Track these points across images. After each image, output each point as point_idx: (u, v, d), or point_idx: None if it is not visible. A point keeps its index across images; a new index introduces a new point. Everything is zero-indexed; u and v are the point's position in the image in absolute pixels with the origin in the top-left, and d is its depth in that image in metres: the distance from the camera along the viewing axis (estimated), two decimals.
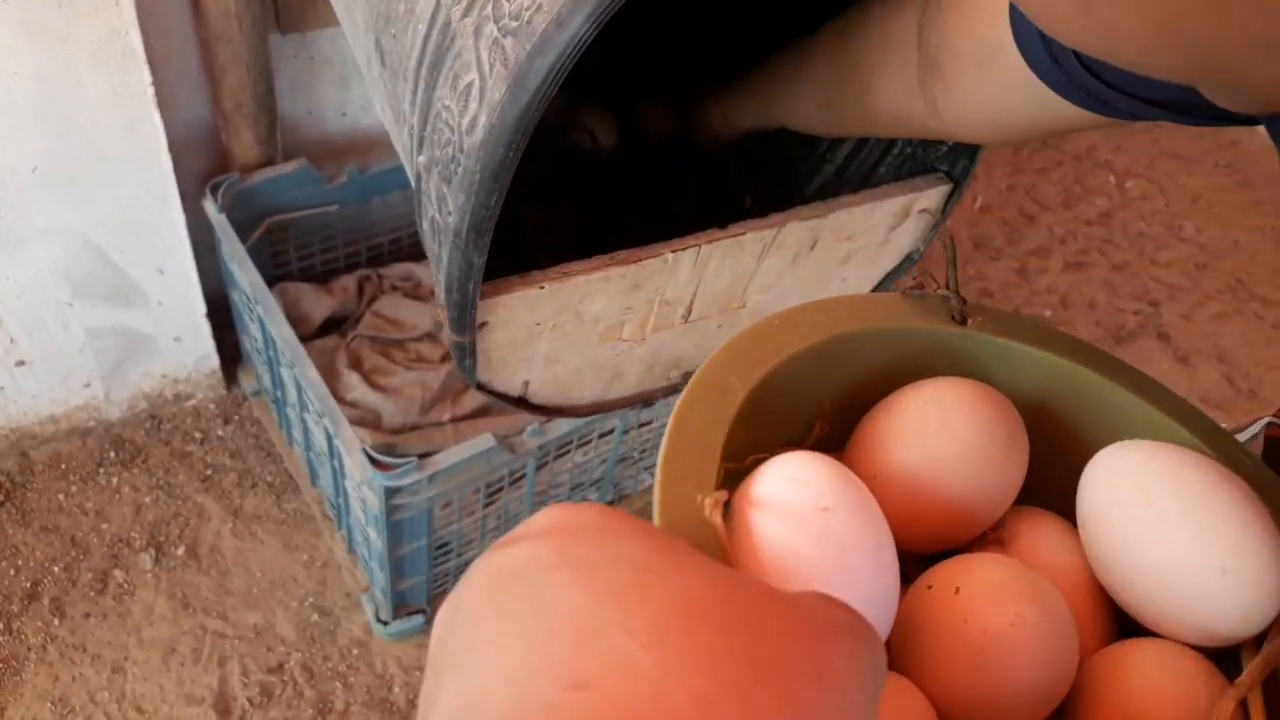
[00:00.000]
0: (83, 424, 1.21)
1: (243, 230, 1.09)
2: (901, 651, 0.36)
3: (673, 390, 0.81)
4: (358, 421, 1.10)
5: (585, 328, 0.71)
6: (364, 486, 0.93)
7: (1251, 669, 0.34)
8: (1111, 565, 0.37)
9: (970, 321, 0.41)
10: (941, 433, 0.38)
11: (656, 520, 0.31)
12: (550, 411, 0.79)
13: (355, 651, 1.08)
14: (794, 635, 0.22)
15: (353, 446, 0.91)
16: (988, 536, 0.40)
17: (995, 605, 0.34)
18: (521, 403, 0.77)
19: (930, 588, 0.36)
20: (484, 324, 0.67)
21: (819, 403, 0.40)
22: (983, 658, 0.33)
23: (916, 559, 0.39)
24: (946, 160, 0.71)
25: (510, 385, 0.72)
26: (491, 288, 0.66)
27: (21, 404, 1.15)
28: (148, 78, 0.94)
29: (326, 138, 1.22)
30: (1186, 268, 1.63)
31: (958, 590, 0.35)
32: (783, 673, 0.21)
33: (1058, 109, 0.44)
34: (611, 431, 1.08)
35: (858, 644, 0.23)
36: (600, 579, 0.22)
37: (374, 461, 0.89)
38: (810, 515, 0.31)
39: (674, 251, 0.71)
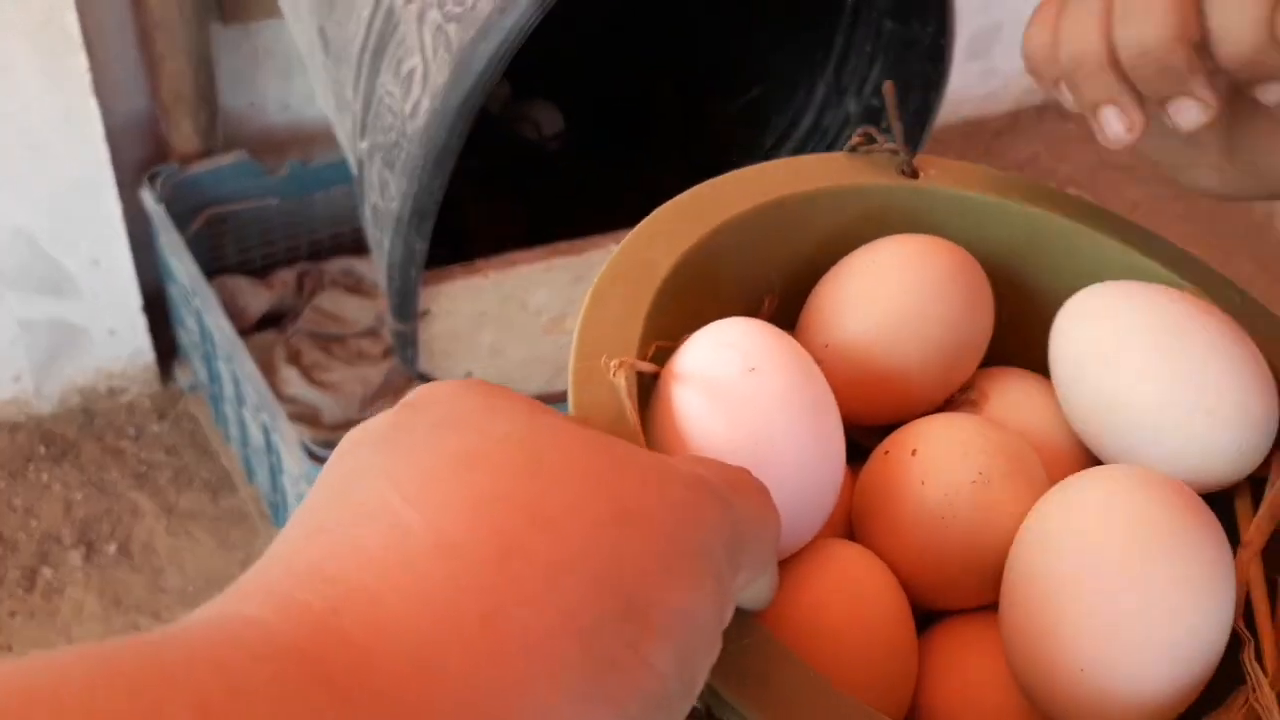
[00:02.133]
0: (12, 418, 1.18)
1: (181, 222, 1.07)
2: (862, 522, 0.34)
3: None
4: (296, 417, 1.09)
5: (530, 319, 0.71)
6: (303, 482, 0.92)
7: (1259, 521, 0.32)
8: (1089, 415, 0.34)
9: (922, 175, 0.38)
10: (894, 293, 0.35)
11: (570, 399, 0.28)
12: None
13: None
14: (593, 480, 0.20)
15: (291, 441, 0.89)
16: (956, 399, 0.37)
17: (955, 463, 0.31)
18: None
19: (887, 453, 0.33)
20: (426, 312, 0.66)
21: (765, 276, 0.37)
22: (944, 521, 0.31)
23: (882, 432, 0.36)
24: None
25: (452, 376, 0.72)
26: (434, 275, 0.66)
27: None
28: (85, 63, 0.93)
29: (268, 130, 1.21)
30: None
31: (914, 452, 0.32)
32: (571, 517, 0.19)
33: None
34: None
35: (696, 494, 0.21)
36: (403, 438, 0.21)
37: (313, 456, 0.88)
38: (736, 378, 0.29)
39: (616, 243, 0.71)
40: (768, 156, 0.88)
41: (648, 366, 0.30)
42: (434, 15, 0.56)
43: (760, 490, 0.24)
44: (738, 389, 0.29)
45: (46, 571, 1.09)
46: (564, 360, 0.60)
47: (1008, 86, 1.82)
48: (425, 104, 0.55)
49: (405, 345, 0.65)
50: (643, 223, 0.34)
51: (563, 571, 0.19)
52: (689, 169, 0.97)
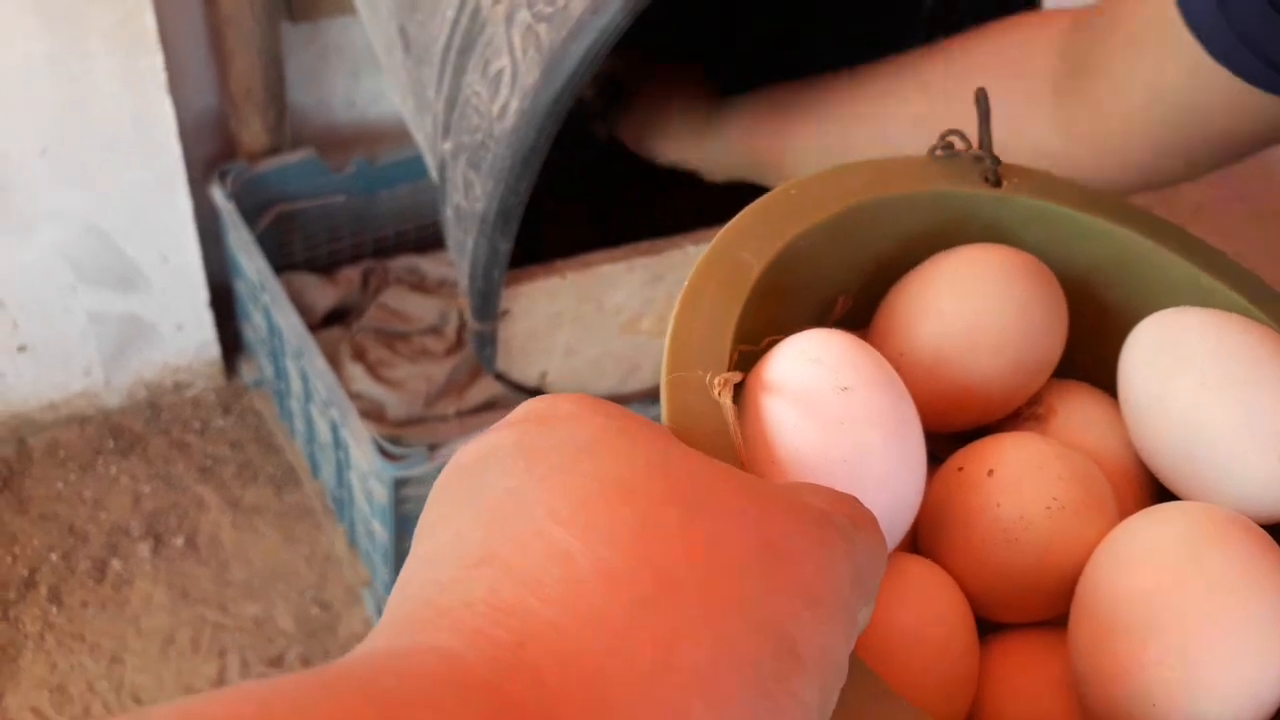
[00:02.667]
0: (82, 411, 1.20)
1: (249, 219, 1.08)
2: (931, 536, 0.34)
3: None
4: (362, 414, 1.10)
5: (605, 319, 0.71)
6: (371, 478, 0.93)
7: None
8: (1156, 442, 0.34)
9: (1005, 184, 0.38)
10: (972, 303, 0.35)
11: (663, 406, 0.28)
12: None
13: (356, 645, 1.07)
14: (739, 515, 0.21)
15: (361, 437, 0.90)
16: (1023, 413, 0.37)
17: (1030, 488, 0.32)
18: (538, 394, 0.77)
19: (961, 469, 0.33)
20: (505, 312, 0.66)
21: (842, 277, 0.37)
22: (1017, 544, 0.31)
23: (948, 439, 0.36)
24: None
25: (528, 376, 0.72)
26: (513, 276, 0.66)
27: (21, 390, 1.14)
28: (160, 62, 0.94)
29: (334, 128, 1.22)
30: None
31: (991, 472, 0.32)
32: (715, 551, 0.20)
33: (1214, 92, 0.42)
34: None
35: (826, 531, 0.22)
36: (540, 463, 0.22)
37: (383, 452, 0.88)
38: (827, 396, 0.29)
39: (695, 244, 0.71)
40: None
41: (739, 377, 0.30)
42: (523, 15, 0.56)
43: (871, 521, 0.25)
44: (831, 407, 0.29)
45: (116, 563, 1.10)
46: (638, 360, 0.60)
47: None
48: (514, 105, 0.55)
49: (484, 345, 0.65)
50: (731, 224, 0.34)
51: (720, 606, 0.19)
52: None
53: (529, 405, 0.24)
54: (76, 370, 1.16)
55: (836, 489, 0.25)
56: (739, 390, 0.30)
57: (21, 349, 1.11)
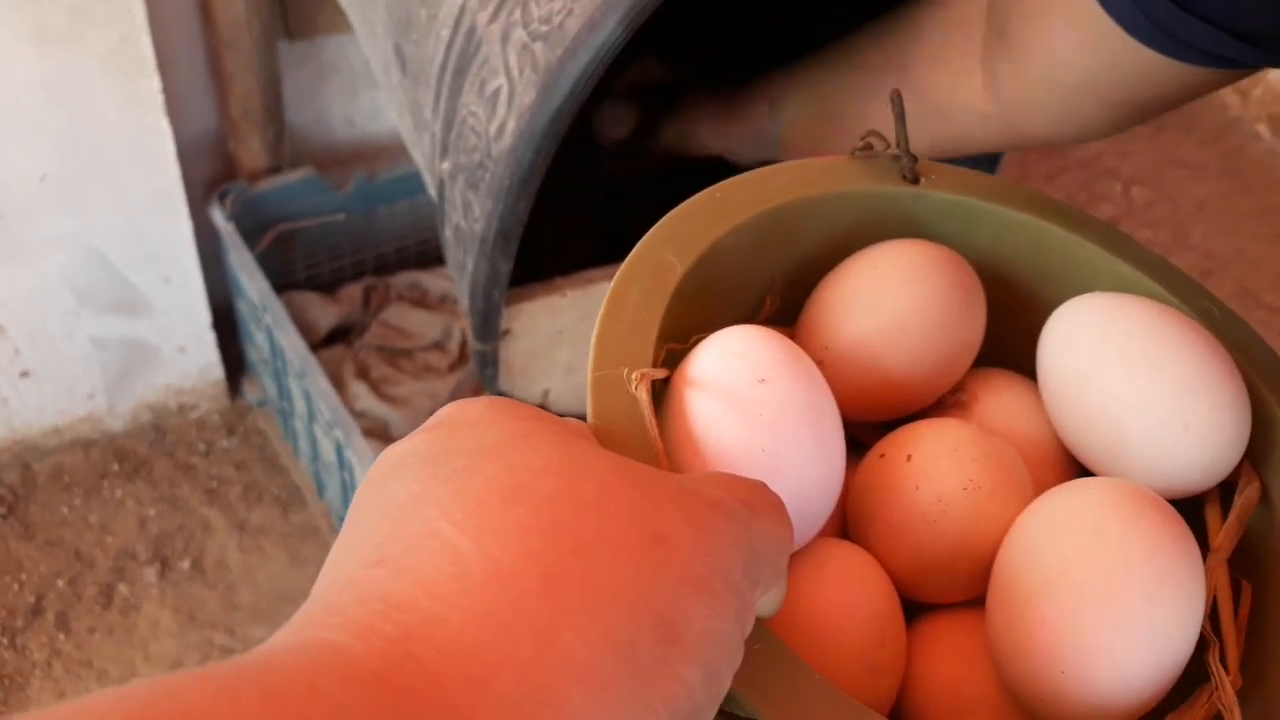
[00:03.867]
0: (86, 436, 1.20)
1: (250, 238, 1.08)
2: (857, 522, 0.35)
3: None
4: (366, 432, 1.09)
5: None
6: None
7: (1228, 528, 0.34)
8: (1072, 422, 0.35)
9: (922, 180, 0.39)
10: (891, 297, 0.36)
11: (589, 408, 0.29)
12: None
13: None
14: (628, 509, 0.22)
15: (366, 457, 0.90)
16: (946, 401, 0.38)
17: (947, 470, 0.33)
18: None
19: (883, 456, 0.35)
20: (506, 331, 0.66)
21: (768, 277, 0.38)
22: (936, 526, 0.32)
23: (876, 428, 0.38)
24: None
25: (530, 394, 0.72)
26: (514, 295, 0.66)
27: (25, 415, 1.14)
28: (158, 85, 0.93)
29: (333, 146, 1.22)
30: (1193, 275, 1.62)
31: (909, 457, 0.34)
32: (604, 545, 0.21)
33: (1126, 60, 0.43)
34: None
35: (717, 518, 0.23)
36: (444, 467, 0.23)
37: None
38: (745, 389, 0.30)
39: None
40: None
41: (663, 373, 0.31)
42: (519, 34, 0.55)
43: (775, 506, 0.26)
44: (748, 398, 0.30)
45: (123, 588, 1.10)
46: None
47: None
48: (511, 124, 0.55)
49: (486, 364, 0.65)
50: (655, 227, 0.35)
51: (602, 595, 0.20)
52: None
53: (444, 411, 0.26)
54: (80, 395, 1.16)
55: (744, 477, 0.26)
56: (665, 386, 0.31)
57: (24, 375, 1.10)
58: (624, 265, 0.33)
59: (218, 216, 1.07)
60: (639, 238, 0.86)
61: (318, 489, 1.16)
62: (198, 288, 1.12)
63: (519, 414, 0.25)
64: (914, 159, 0.39)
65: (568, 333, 0.70)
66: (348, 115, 1.20)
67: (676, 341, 0.32)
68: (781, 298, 0.39)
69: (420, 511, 0.22)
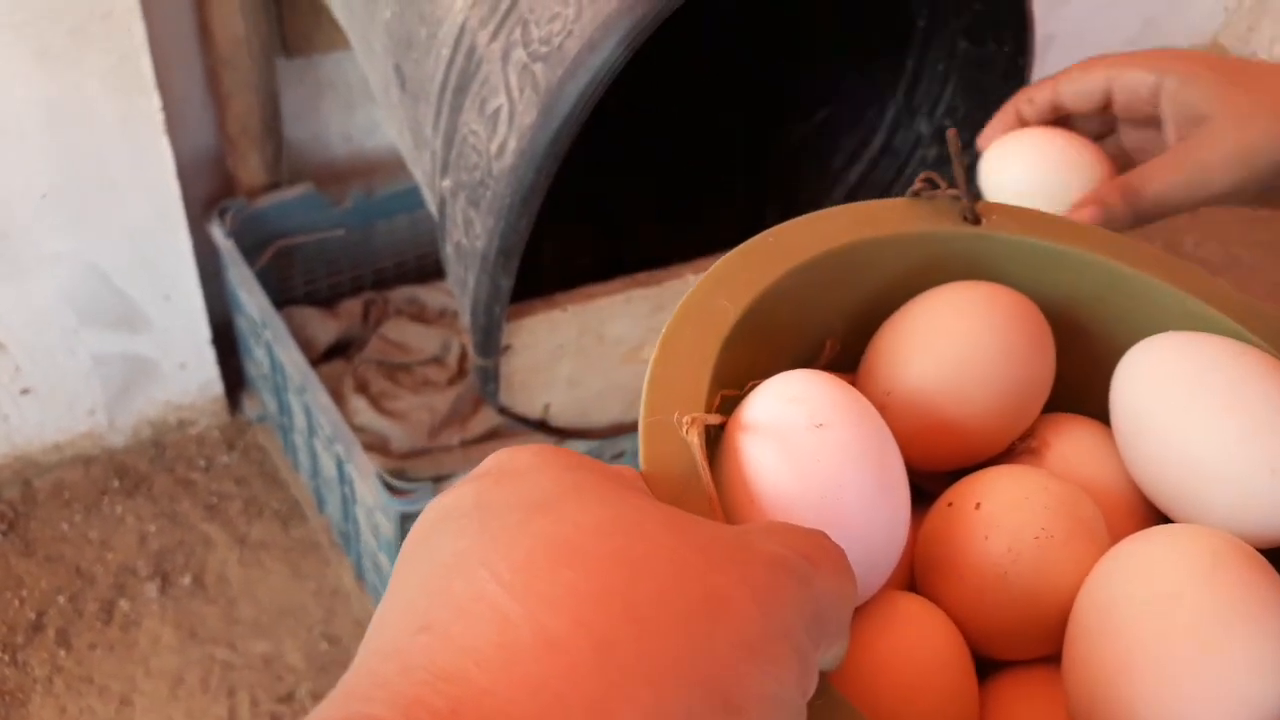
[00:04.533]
0: (86, 452, 1.20)
1: (249, 255, 1.08)
2: (924, 573, 0.34)
3: None
4: (366, 446, 1.10)
5: (607, 350, 0.71)
6: (377, 512, 0.92)
7: None
8: (1150, 468, 0.34)
9: (984, 221, 0.38)
10: (956, 342, 0.35)
11: (641, 455, 0.28)
12: (569, 434, 0.79)
13: None
14: (683, 570, 0.21)
15: (366, 472, 0.90)
16: (1016, 448, 0.37)
17: (1018, 520, 0.31)
18: (542, 426, 0.77)
19: (950, 505, 0.33)
20: (508, 347, 0.66)
21: (827, 321, 0.37)
22: (1007, 578, 0.31)
23: (943, 478, 0.37)
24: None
25: (532, 408, 0.72)
26: (514, 310, 0.66)
27: (26, 432, 1.14)
28: (158, 103, 0.94)
29: (331, 162, 1.22)
30: None
31: (978, 506, 0.32)
32: (659, 610, 0.20)
33: None
34: (621, 455, 1.08)
35: (777, 576, 0.22)
36: (492, 522, 0.22)
37: (388, 487, 0.88)
38: (803, 434, 0.29)
39: (695, 273, 0.71)
40: (838, 178, 0.88)
41: (717, 419, 0.30)
42: (519, 54, 0.56)
43: (838, 558, 0.25)
44: (805, 444, 0.29)
45: (124, 604, 1.10)
46: (641, 389, 0.59)
47: None
48: (512, 144, 0.55)
49: (487, 380, 0.65)
50: (711, 269, 0.34)
51: (657, 665, 0.20)
52: (759, 193, 0.97)
53: (492, 459, 0.25)
54: (80, 411, 1.16)
55: (803, 527, 0.25)
56: (720, 434, 0.30)
57: (25, 392, 1.11)
58: (678, 309, 0.32)
59: (217, 233, 1.07)
60: (640, 255, 0.86)
61: (318, 504, 1.16)
62: (197, 304, 1.12)
63: (567, 464, 0.24)
64: (975, 198, 0.38)
65: (568, 347, 0.70)
66: (345, 131, 1.20)
67: (732, 388, 0.31)
68: (842, 342, 0.38)
69: (467, 571, 0.21)
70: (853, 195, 0.87)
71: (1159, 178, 0.47)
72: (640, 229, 1.01)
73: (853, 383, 0.36)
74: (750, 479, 0.29)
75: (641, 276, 0.70)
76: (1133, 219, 0.46)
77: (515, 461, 0.24)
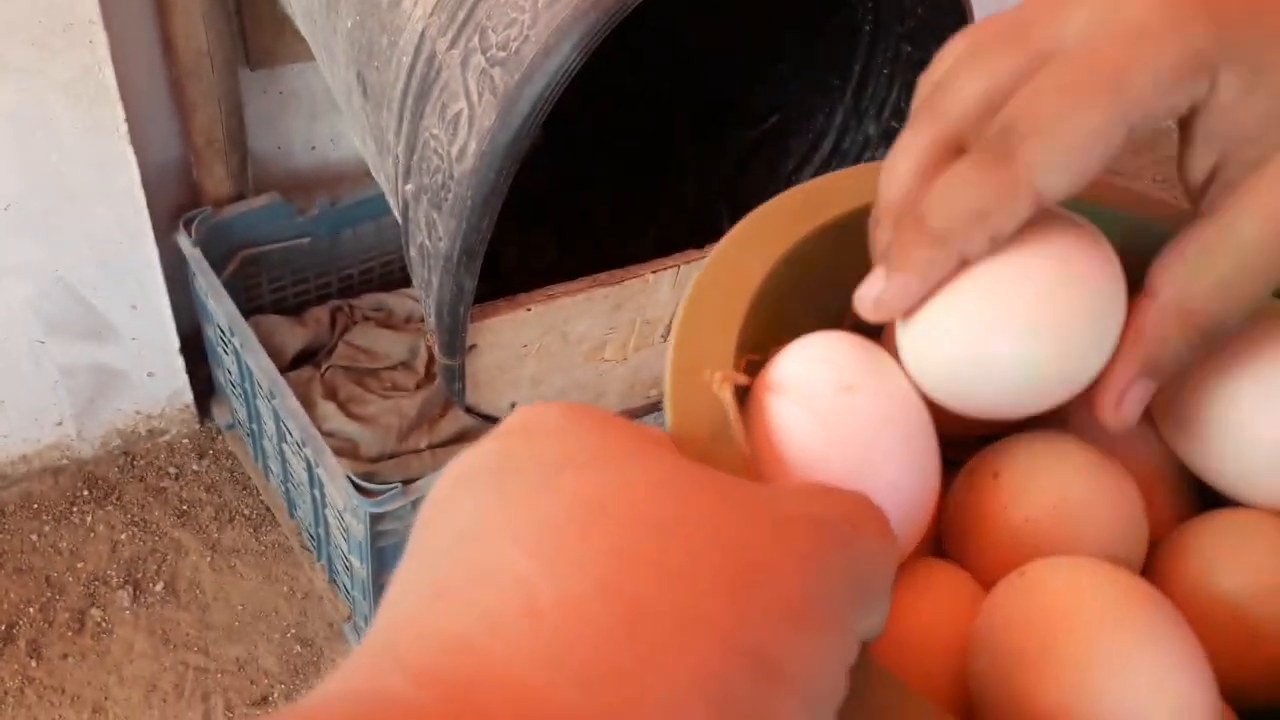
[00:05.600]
0: (55, 463, 1.20)
1: (216, 264, 1.09)
2: (951, 540, 0.33)
3: (653, 407, 0.83)
4: (336, 451, 1.11)
5: (570, 348, 0.73)
6: (348, 514, 0.94)
7: None
8: (1191, 434, 0.32)
9: None
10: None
11: (668, 414, 0.27)
12: None
13: None
14: (720, 534, 0.20)
15: (336, 475, 0.91)
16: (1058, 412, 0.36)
17: (1036, 489, 0.30)
18: None
19: (972, 472, 0.32)
20: (473, 347, 0.68)
21: (855, 280, 0.35)
22: (1026, 547, 0.30)
23: (977, 442, 0.35)
24: None
25: (497, 407, 0.74)
26: (479, 311, 0.68)
27: None
28: (121, 114, 0.95)
29: (295, 171, 1.23)
30: None
31: (996, 475, 0.31)
32: (693, 573, 0.19)
33: None
34: None
35: (820, 540, 0.21)
36: (515, 483, 0.21)
37: (359, 489, 0.89)
38: (831, 396, 0.28)
39: (654, 272, 0.73)
40: (789, 181, 0.90)
41: (745, 379, 0.29)
42: (478, 60, 0.58)
43: (879, 520, 0.23)
44: (834, 406, 0.28)
45: (95, 613, 1.10)
46: (603, 386, 0.60)
47: None
48: (472, 146, 0.57)
49: (453, 380, 0.67)
50: (733, 230, 0.33)
51: (692, 632, 0.18)
52: (710, 196, 0.99)
53: (516, 415, 0.23)
54: (48, 422, 1.16)
55: (843, 489, 0.24)
56: (745, 395, 0.29)
57: None
58: (701, 271, 0.31)
59: (184, 243, 1.08)
60: (599, 257, 0.88)
61: (289, 508, 1.17)
62: (165, 314, 1.13)
63: (594, 422, 0.23)
64: None
65: (533, 346, 0.72)
66: (309, 141, 1.22)
67: (758, 351, 0.30)
68: None
69: (487, 535, 0.20)
70: None
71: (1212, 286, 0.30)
72: (599, 231, 1.03)
73: (881, 344, 0.35)
74: (778, 441, 0.28)
75: (602, 276, 0.72)
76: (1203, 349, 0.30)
77: (542, 419, 0.23)
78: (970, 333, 0.28)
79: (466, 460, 0.22)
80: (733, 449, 0.27)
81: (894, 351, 0.33)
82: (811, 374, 0.29)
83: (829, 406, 0.28)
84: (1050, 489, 0.30)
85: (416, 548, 0.21)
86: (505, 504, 0.20)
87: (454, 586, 0.19)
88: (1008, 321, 0.28)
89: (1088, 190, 0.28)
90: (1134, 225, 0.35)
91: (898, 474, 0.28)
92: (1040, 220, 0.28)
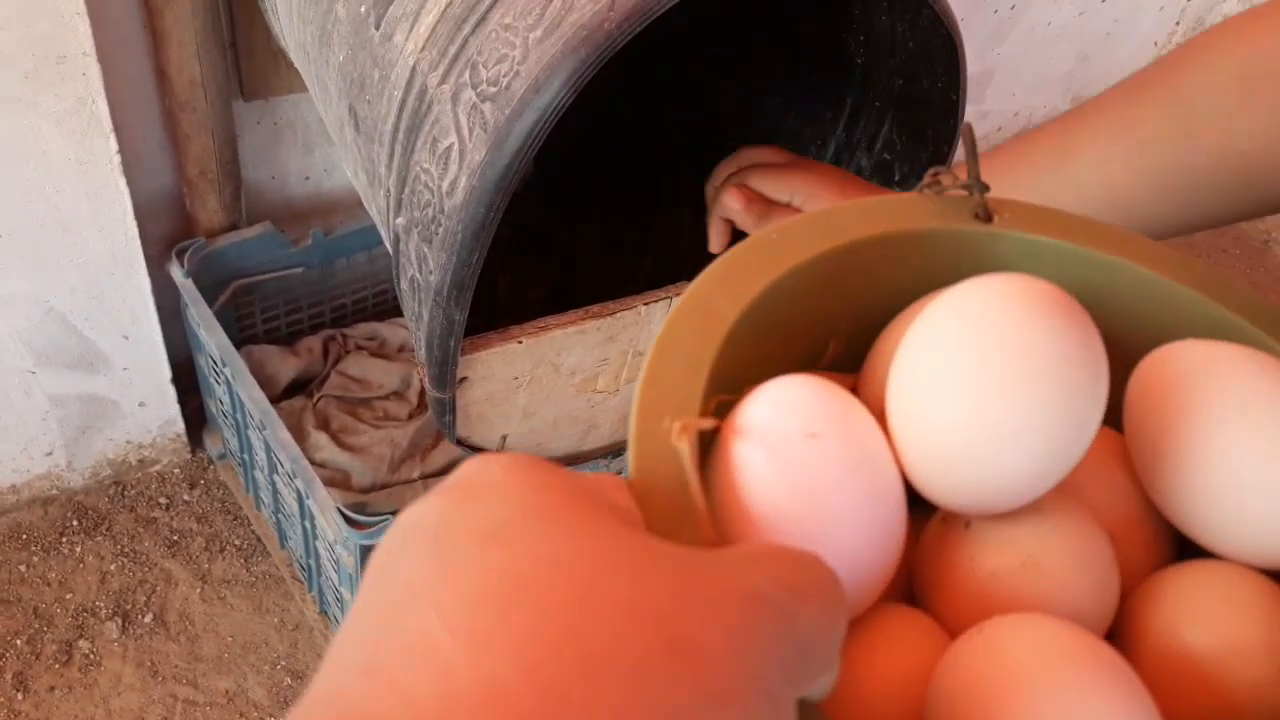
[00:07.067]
0: (44, 493, 1.20)
1: (209, 294, 1.09)
2: (921, 588, 0.33)
3: None
4: (328, 481, 1.10)
5: (562, 380, 0.73)
6: (339, 546, 0.93)
7: None
8: (1165, 482, 0.31)
9: (996, 218, 0.36)
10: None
11: (630, 459, 0.27)
12: None
13: None
14: (646, 611, 0.20)
15: (327, 506, 0.91)
16: None
17: (1006, 542, 0.30)
18: None
19: (943, 520, 0.32)
20: (464, 379, 0.68)
21: (830, 321, 0.35)
22: (992, 601, 0.29)
23: None
24: None
25: (489, 439, 0.74)
26: (470, 344, 0.68)
27: None
28: (114, 145, 0.95)
29: (289, 202, 1.24)
30: None
31: (968, 525, 0.31)
32: (615, 655, 0.19)
33: None
34: None
35: (753, 615, 0.21)
36: (449, 551, 0.21)
37: (349, 521, 0.89)
38: (795, 443, 0.28)
39: (646, 304, 0.73)
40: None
41: (709, 424, 0.28)
42: (468, 95, 0.58)
43: (827, 587, 0.23)
44: (798, 454, 0.28)
45: (84, 644, 1.10)
46: (595, 418, 0.60)
47: (1001, 130, 1.85)
48: (463, 181, 0.57)
49: (444, 413, 0.67)
50: (706, 271, 0.33)
51: (608, 717, 0.18)
52: (703, 228, 0.99)
53: (463, 469, 0.24)
54: (38, 452, 1.16)
55: (794, 550, 0.24)
56: (715, 435, 0.29)
57: None
58: (672, 312, 0.31)
59: (176, 273, 1.08)
60: (592, 288, 0.88)
61: (280, 539, 1.16)
62: (157, 344, 1.13)
63: (536, 482, 0.23)
64: (984, 189, 0.36)
65: (525, 378, 0.72)
66: (303, 171, 1.22)
67: (732, 391, 0.30)
68: (846, 342, 0.36)
69: (416, 607, 0.20)
70: None
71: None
72: (593, 262, 1.03)
73: (855, 385, 0.35)
74: (741, 488, 0.28)
75: (594, 308, 0.72)
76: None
77: (486, 475, 0.23)
78: (965, 443, 0.29)
79: (409, 516, 0.23)
80: (690, 501, 0.26)
81: (868, 395, 0.33)
82: (776, 421, 0.28)
83: (792, 454, 0.28)
84: (1021, 544, 0.30)
85: (359, 605, 0.21)
86: (437, 571, 0.21)
87: (383, 664, 0.19)
88: (999, 429, 0.29)
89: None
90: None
91: (861, 523, 0.28)
92: (1029, 320, 0.29)
